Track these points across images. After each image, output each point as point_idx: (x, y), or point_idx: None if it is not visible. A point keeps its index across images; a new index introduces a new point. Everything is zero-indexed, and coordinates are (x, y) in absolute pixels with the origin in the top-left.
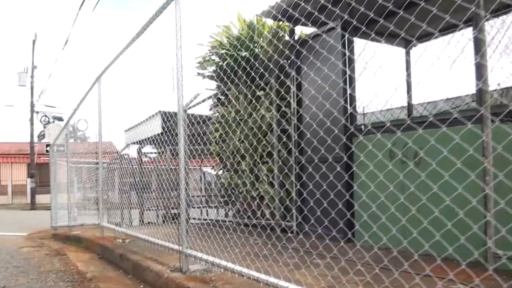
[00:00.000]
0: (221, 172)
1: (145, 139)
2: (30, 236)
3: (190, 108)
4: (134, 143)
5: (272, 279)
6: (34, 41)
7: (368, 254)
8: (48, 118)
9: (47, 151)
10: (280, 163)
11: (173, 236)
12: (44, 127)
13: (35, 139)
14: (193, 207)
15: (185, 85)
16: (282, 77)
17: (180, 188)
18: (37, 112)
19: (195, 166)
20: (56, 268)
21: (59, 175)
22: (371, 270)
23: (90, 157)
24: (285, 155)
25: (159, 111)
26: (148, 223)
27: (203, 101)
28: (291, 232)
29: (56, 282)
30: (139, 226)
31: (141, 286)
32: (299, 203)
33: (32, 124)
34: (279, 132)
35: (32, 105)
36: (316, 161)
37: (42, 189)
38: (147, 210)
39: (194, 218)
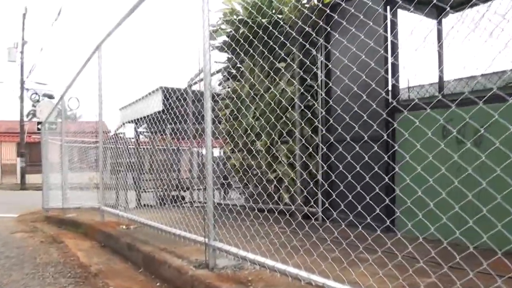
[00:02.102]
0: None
1: (143, 118)
2: (21, 218)
3: (195, 83)
4: (130, 122)
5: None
6: (24, 15)
7: (428, 247)
8: (39, 95)
9: (38, 129)
10: (303, 142)
11: (185, 223)
12: (33, 106)
13: (25, 118)
14: (193, 189)
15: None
16: (308, 46)
17: (206, 170)
18: (27, 89)
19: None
20: (54, 260)
21: (51, 154)
22: (435, 269)
23: (86, 136)
24: (309, 133)
25: (160, 87)
26: (145, 205)
27: (212, 75)
28: (316, 219)
29: (56, 278)
30: (137, 209)
31: (157, 284)
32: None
33: (22, 101)
34: (302, 107)
35: (22, 82)
36: (349, 140)
37: (32, 169)
38: (144, 192)
39: (200, 202)
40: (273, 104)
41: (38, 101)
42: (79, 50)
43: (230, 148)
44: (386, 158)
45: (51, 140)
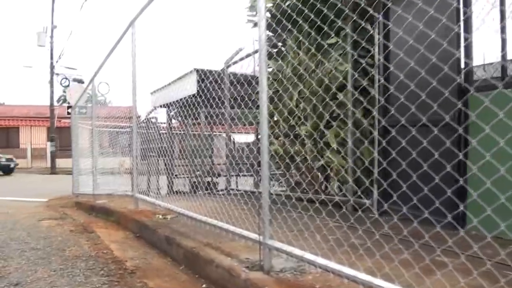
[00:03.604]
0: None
1: (176, 101)
2: (50, 203)
3: (230, 65)
4: (162, 106)
5: None
6: None
7: None
8: (68, 80)
9: (68, 113)
10: (353, 127)
11: (228, 215)
12: (64, 92)
13: (55, 103)
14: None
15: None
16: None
17: (262, 158)
18: (57, 74)
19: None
20: (84, 253)
21: (82, 139)
22: None
23: (117, 120)
24: (363, 117)
25: (195, 69)
26: (177, 192)
27: (248, 56)
28: (364, 211)
29: (87, 276)
30: (169, 196)
31: (203, 286)
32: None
33: (52, 86)
34: (354, 89)
35: (52, 67)
36: (407, 124)
37: (62, 153)
38: (175, 177)
39: (232, 189)
40: (315, 85)
41: (68, 86)
42: (109, 34)
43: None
44: (448, 144)
45: (81, 124)
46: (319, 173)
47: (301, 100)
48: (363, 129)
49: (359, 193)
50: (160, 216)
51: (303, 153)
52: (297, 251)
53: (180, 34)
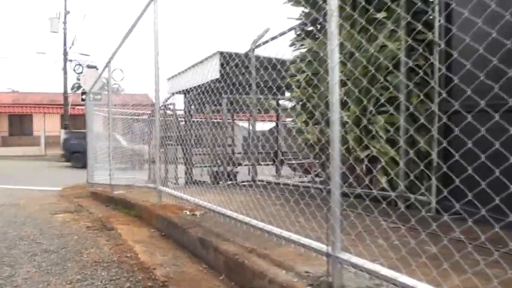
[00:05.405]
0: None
1: (196, 87)
2: (64, 192)
3: (258, 46)
4: (180, 92)
5: None
6: None
7: None
8: (82, 67)
9: (82, 99)
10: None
11: (257, 209)
12: (78, 79)
13: (69, 91)
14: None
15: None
16: None
17: (333, 148)
18: (71, 61)
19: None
20: (105, 256)
21: (97, 126)
22: None
23: (135, 108)
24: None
25: (218, 52)
26: (195, 182)
27: (282, 34)
28: (428, 211)
29: None
30: (188, 187)
31: None
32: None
33: (65, 73)
34: (408, 68)
35: (65, 53)
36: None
37: None
38: (195, 167)
39: (261, 181)
40: (355, 66)
41: (81, 72)
42: (123, 19)
43: (303, 120)
44: None
45: (96, 111)
46: (364, 166)
47: (345, 81)
48: (420, 114)
49: (422, 189)
50: (188, 212)
51: (346, 142)
52: (385, 271)
53: (201, 14)
